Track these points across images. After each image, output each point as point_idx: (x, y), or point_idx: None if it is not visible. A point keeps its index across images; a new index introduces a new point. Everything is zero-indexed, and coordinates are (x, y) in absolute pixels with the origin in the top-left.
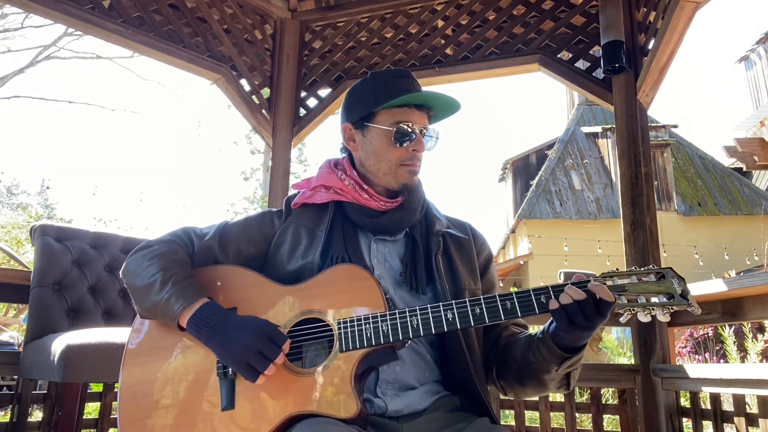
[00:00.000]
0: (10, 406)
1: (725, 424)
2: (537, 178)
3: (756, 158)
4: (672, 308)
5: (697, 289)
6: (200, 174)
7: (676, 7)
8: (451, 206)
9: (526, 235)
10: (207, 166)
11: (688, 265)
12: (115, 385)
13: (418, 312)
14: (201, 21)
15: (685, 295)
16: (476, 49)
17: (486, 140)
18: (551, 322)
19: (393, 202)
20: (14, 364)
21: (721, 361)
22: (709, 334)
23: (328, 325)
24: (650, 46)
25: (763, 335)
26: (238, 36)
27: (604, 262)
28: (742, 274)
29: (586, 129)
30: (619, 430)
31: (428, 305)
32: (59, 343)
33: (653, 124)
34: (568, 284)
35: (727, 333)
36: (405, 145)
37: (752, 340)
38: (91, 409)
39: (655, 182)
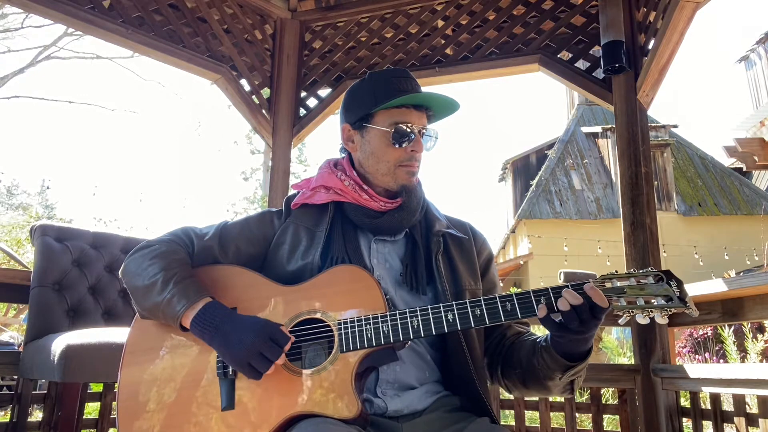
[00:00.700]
0: (10, 406)
1: (725, 424)
2: (537, 178)
3: (756, 158)
4: (670, 311)
5: (697, 289)
6: (200, 174)
7: (676, 7)
8: (451, 206)
9: (526, 235)
10: (207, 166)
11: (688, 265)
12: (115, 385)
13: (418, 313)
14: (201, 21)
15: (683, 297)
16: (476, 49)
17: (486, 140)
18: None
19: (393, 203)
20: (14, 364)
21: (721, 361)
22: (709, 334)
23: (328, 326)
24: (650, 46)
25: (763, 335)
26: (238, 36)
27: (604, 263)
28: (742, 274)
29: (586, 129)
30: (619, 430)
31: (428, 306)
32: (59, 343)
33: (653, 124)
34: (567, 286)
35: (727, 333)
36: (403, 145)
37: (752, 340)
38: (91, 409)
39: (655, 182)
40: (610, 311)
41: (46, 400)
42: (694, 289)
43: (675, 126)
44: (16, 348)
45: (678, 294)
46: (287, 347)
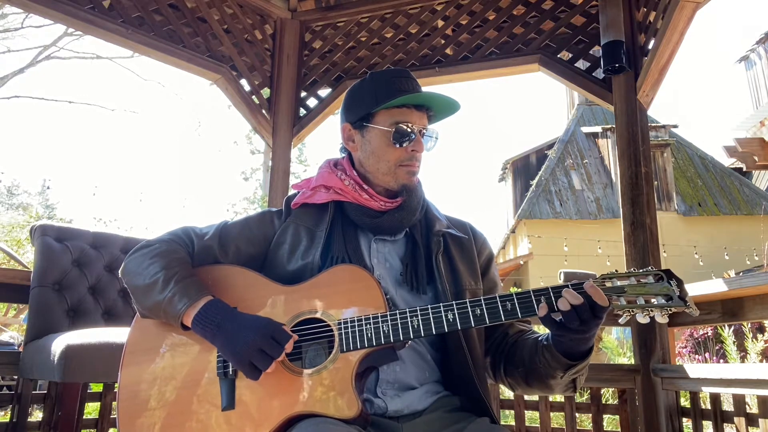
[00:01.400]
0: (10, 406)
1: (725, 424)
2: (537, 178)
3: (756, 158)
4: (670, 310)
5: (697, 289)
6: (200, 174)
7: (676, 7)
8: (451, 206)
9: (526, 235)
10: (207, 166)
11: (688, 265)
12: (115, 385)
13: (418, 312)
14: (201, 21)
15: (683, 296)
16: (476, 49)
17: (486, 140)
18: None
19: (393, 202)
20: (14, 364)
21: (721, 361)
22: (709, 334)
23: (328, 326)
24: (650, 46)
25: (763, 335)
26: (238, 36)
27: (604, 262)
28: (742, 274)
29: (586, 129)
30: (619, 430)
31: (429, 306)
32: (59, 343)
33: (653, 124)
34: (567, 285)
35: (727, 333)
36: (404, 145)
37: (752, 340)
38: (91, 409)
39: (655, 182)
40: (610, 310)
41: (46, 400)
42: (694, 289)
43: (675, 126)
44: (16, 348)
45: (678, 293)
46: (289, 345)
